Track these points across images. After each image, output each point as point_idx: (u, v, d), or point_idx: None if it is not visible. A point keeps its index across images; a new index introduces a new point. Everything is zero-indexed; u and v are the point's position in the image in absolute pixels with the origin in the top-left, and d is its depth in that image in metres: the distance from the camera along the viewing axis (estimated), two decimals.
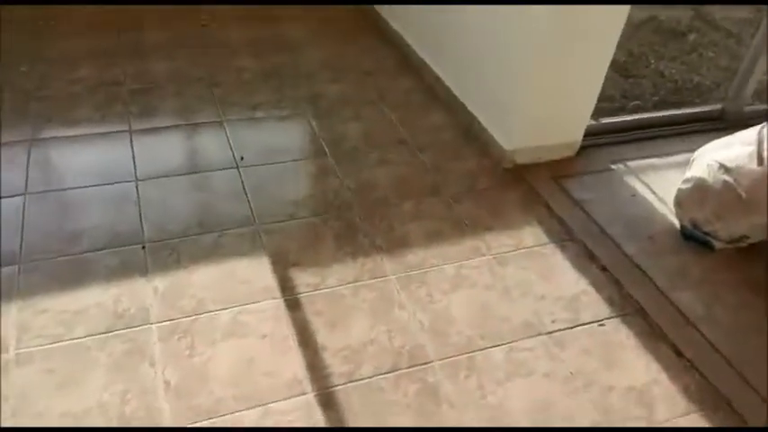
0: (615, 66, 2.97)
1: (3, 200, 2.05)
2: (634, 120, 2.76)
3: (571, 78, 2.30)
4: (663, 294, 1.96)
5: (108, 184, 2.18)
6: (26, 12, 3.09)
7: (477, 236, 2.14)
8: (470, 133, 2.64)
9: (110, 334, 1.66)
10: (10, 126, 2.37)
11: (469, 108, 2.67)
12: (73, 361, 1.60)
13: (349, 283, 1.90)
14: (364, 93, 2.84)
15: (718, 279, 2.04)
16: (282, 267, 1.92)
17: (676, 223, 2.23)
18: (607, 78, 2.38)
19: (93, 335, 1.66)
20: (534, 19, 2.16)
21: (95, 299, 1.76)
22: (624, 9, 2.17)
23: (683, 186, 2.20)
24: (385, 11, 3.35)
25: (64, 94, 2.59)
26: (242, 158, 2.33)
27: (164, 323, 1.71)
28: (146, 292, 1.79)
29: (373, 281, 1.92)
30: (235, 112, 2.60)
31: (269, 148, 2.43)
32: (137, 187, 2.17)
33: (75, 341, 1.64)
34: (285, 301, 1.81)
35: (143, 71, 2.80)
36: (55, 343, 1.63)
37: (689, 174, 2.21)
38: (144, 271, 1.85)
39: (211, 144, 2.43)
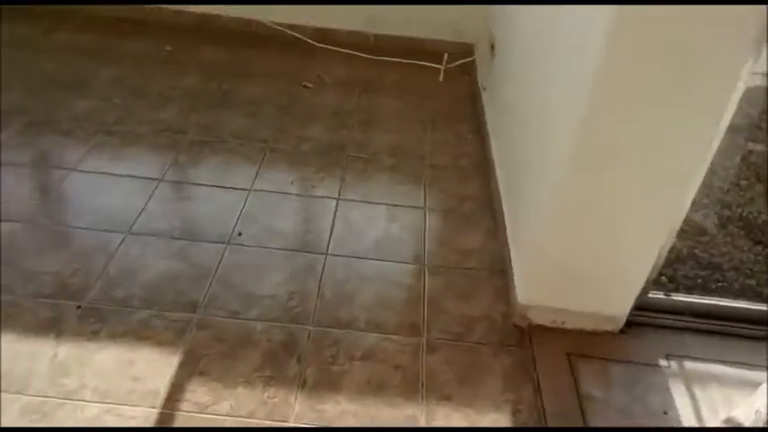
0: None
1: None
2: (716, 305, 2.08)
3: (623, 222, 1.76)
4: None
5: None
6: (148, 44, 3.36)
7: (424, 404, 1.75)
8: (499, 266, 2.23)
9: None
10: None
11: (507, 234, 2.26)
12: None
13: (241, 416, 1.67)
14: (416, 180, 2.58)
15: None
16: None
17: None
18: (685, 230, 1.80)
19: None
20: (563, 132, 1.71)
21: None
22: (716, 122, 1.60)
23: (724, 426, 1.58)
24: (486, 98, 3.03)
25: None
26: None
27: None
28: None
29: (269, 422, 1.66)
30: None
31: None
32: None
33: None
34: None
35: (215, 123, 2.85)
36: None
37: (742, 413, 1.57)
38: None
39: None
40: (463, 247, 2.32)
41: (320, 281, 2.11)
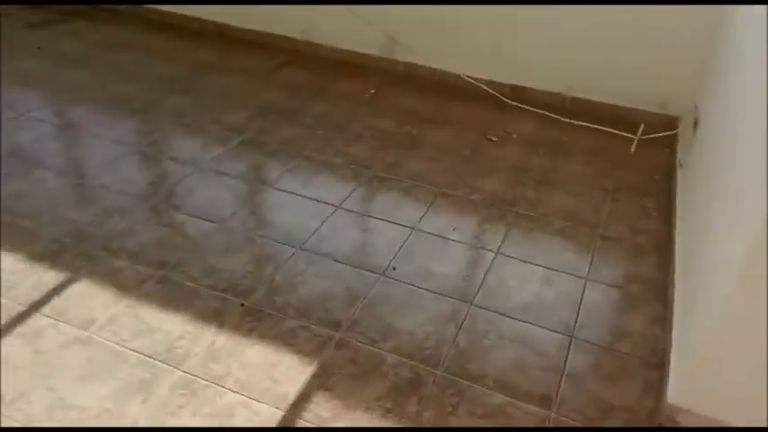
0: None
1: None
2: None
3: None
4: None
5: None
6: (357, 86, 3.68)
7: None
8: (657, 358, 2.03)
9: None
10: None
11: (674, 325, 2.05)
12: None
13: None
14: (583, 248, 2.47)
15: None
16: None
17: None
18: None
19: None
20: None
21: None
22: None
23: None
24: (681, 176, 2.81)
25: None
26: None
27: None
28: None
29: None
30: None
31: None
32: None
33: None
34: None
35: (397, 163, 3.02)
36: None
37: None
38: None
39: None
40: (620, 328, 2.16)
41: (459, 329, 2.11)
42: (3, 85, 3.45)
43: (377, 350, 2.02)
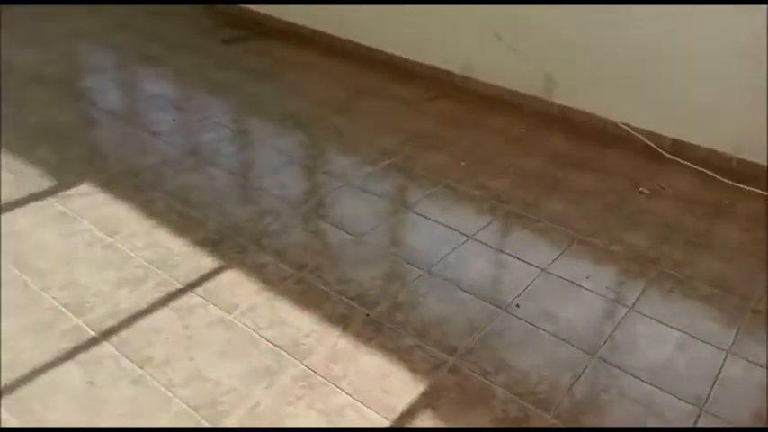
0: None
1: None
2: None
3: None
4: None
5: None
6: (509, 123, 3.71)
7: None
8: None
9: None
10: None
11: None
12: None
13: None
14: (729, 319, 2.30)
15: None
16: None
17: None
18: None
19: None
20: None
21: None
22: None
23: None
24: None
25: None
26: None
27: None
28: None
29: None
30: None
31: None
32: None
33: None
34: None
35: (536, 202, 3.01)
36: None
37: None
38: None
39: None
40: (758, 412, 1.98)
41: (577, 378, 2.06)
42: (195, 91, 3.95)
43: (488, 382, 2.03)
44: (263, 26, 5.03)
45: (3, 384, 1.90)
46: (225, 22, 5.09)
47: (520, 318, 2.30)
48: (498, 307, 2.34)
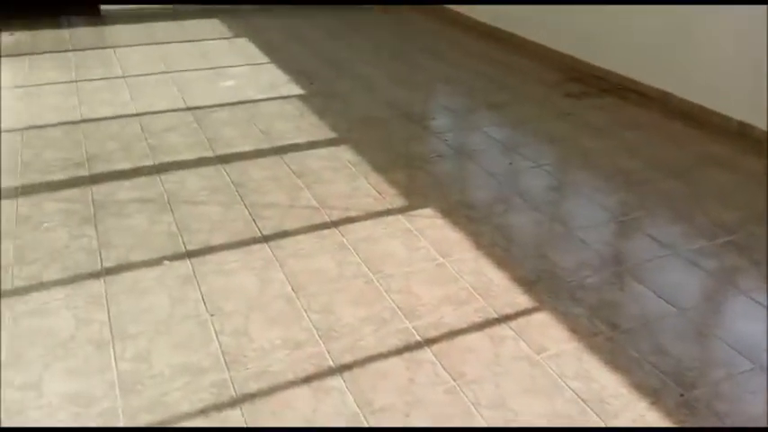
0: None
1: None
2: None
3: None
4: None
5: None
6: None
7: None
8: None
9: None
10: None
11: None
12: None
13: None
14: None
15: None
16: None
17: None
18: None
19: None
20: None
21: None
22: None
23: None
24: None
25: None
26: None
27: None
28: None
29: None
30: None
31: None
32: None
33: None
34: None
35: None
36: None
37: None
38: None
39: None
40: None
41: None
42: (533, 139, 4.20)
43: None
44: (607, 82, 5.07)
45: (340, 363, 2.30)
46: (570, 77, 5.27)
47: None
48: None
